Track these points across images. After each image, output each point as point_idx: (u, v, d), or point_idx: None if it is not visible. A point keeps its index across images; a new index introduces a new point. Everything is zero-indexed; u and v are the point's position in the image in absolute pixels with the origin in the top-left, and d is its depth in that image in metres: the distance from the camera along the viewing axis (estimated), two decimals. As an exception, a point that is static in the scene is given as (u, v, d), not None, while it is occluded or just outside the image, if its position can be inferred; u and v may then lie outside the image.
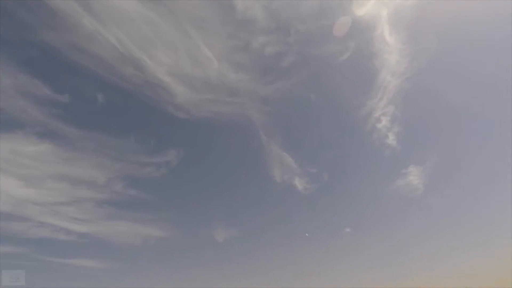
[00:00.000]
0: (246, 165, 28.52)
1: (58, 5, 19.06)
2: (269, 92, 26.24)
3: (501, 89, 24.41)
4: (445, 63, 25.56)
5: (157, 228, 24.82)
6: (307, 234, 26.52)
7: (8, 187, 20.80)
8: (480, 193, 25.38)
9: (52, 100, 20.78)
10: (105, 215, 22.97)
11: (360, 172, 28.80)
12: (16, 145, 20.57)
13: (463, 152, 26.75)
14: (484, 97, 25.86)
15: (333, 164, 28.41)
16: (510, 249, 19.18)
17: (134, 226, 24.14)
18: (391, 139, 26.10)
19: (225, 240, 25.35)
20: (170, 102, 24.83)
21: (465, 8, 22.72)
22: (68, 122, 22.66)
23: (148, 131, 26.00)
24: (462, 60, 25.37)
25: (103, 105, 23.23)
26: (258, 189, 28.28)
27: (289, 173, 26.94)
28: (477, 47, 24.34)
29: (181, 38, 22.88)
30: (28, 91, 20.67)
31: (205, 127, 26.42)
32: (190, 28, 22.62)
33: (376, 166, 28.24)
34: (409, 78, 25.38)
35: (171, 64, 23.99)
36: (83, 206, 22.94)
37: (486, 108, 26.00)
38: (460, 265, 22.55)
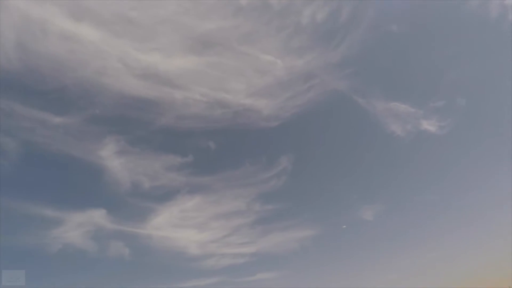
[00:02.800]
0: (358, 135, 26.58)
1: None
2: (342, 53, 24.14)
3: None
4: None
5: (305, 228, 26.31)
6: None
7: (190, 236, 27.70)
8: None
9: (184, 163, 26.54)
10: (259, 233, 26.64)
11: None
12: (181, 205, 27.35)
13: None
14: None
15: (463, 85, 22.62)
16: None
17: (286, 234, 26.64)
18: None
19: (375, 217, 23.98)
20: (260, 118, 26.63)
21: None
22: (201, 174, 27.90)
23: (256, 151, 28.55)
24: None
25: (217, 150, 27.44)
26: (383, 153, 25.62)
27: (411, 120, 23.18)
28: None
29: (241, 60, 24.61)
30: (170, 165, 27.13)
31: (299, 122, 26.73)
32: (243, 48, 24.08)
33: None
34: None
35: (245, 87, 25.98)
36: (241, 232, 27.36)
37: None
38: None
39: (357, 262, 23.65)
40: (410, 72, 24.68)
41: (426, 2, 23.75)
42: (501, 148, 21.66)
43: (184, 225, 32.51)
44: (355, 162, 26.02)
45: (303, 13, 22.42)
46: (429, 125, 22.45)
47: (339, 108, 25.53)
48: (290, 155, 26.22)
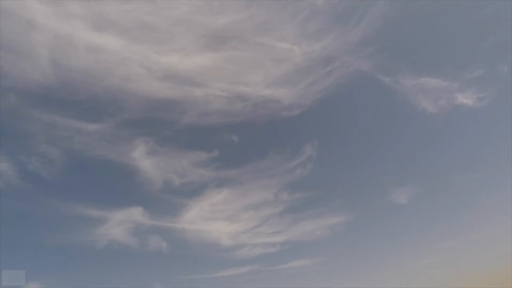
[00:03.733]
0: (387, 116, 25.44)
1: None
2: (363, 31, 23.00)
3: None
4: None
5: (336, 215, 26.04)
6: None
7: (222, 228, 28.63)
8: None
9: (210, 159, 27.23)
10: (289, 222, 26.83)
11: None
12: (210, 199, 28.23)
13: None
14: None
15: (504, 48, 20.61)
16: None
17: (316, 222, 26.55)
18: None
19: (409, 200, 23.03)
20: (281, 108, 26.44)
21: None
22: (227, 168, 28.50)
23: (279, 141, 28.50)
24: None
25: (240, 143, 27.81)
26: (415, 132, 24.30)
27: (444, 95, 21.65)
28: None
29: (257, 52, 24.45)
30: (197, 162, 28.05)
31: (322, 108, 26.15)
32: (259, 38, 23.85)
33: None
34: None
35: (263, 78, 25.83)
36: (271, 221, 27.76)
37: None
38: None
39: (392, 247, 23.02)
40: (439, 42, 22.81)
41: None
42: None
43: (215, 218, 33.73)
44: (385, 144, 25.00)
45: (318, -5, 21.59)
46: (465, 98, 20.76)
47: (364, 89, 24.49)
48: (314, 142, 25.81)
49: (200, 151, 29.76)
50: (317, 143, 25.69)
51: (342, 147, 26.30)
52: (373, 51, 22.75)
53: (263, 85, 26.32)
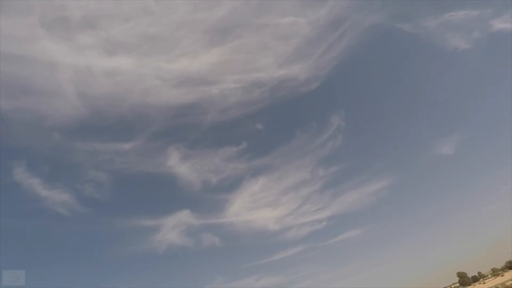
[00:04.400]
0: (414, 64, 23.57)
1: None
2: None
3: None
4: None
5: (379, 180, 25.30)
6: None
7: (266, 215, 29.35)
8: None
9: (240, 151, 27.62)
10: (331, 197, 26.69)
11: None
12: (249, 190, 28.95)
13: None
14: None
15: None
16: None
17: (359, 191, 26.03)
18: None
19: (456, 149, 21.39)
20: (299, 85, 25.90)
21: None
22: (258, 156, 28.84)
23: (303, 119, 28.00)
24: None
25: (265, 129, 27.74)
26: (450, 74, 22.24)
27: (477, 25, 19.38)
28: None
29: (262, 34, 23.93)
30: (229, 157, 28.73)
31: (341, 74, 25.00)
32: (260, 20, 23.28)
33: None
34: None
35: (274, 59, 25.38)
36: (313, 200, 27.81)
37: None
38: None
39: (446, 200, 21.68)
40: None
41: None
42: None
43: (258, 206, 34.46)
44: (419, 95, 23.24)
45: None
46: (503, 23, 18.22)
47: (383, 43, 22.79)
48: (340, 111, 24.94)
49: (229, 146, 30.07)
50: (343, 111, 24.81)
51: (372, 109, 25.08)
52: (384, -1, 20.83)
53: (275, 67, 25.80)
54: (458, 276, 51.11)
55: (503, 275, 43.32)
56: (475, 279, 51.38)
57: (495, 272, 48.08)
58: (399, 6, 20.93)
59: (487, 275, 50.16)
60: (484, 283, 46.02)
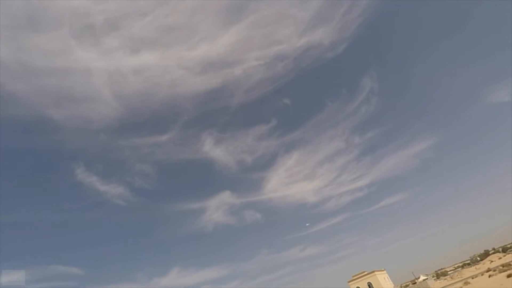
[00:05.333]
0: (448, 7, 20.79)
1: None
2: None
3: None
4: None
5: (420, 140, 23.94)
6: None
7: (305, 188, 30.29)
8: None
9: (271, 128, 28.06)
10: (369, 164, 26.14)
11: None
12: (284, 166, 29.70)
13: None
14: None
15: None
16: None
17: (399, 154, 24.94)
18: None
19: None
20: (323, 50, 24.70)
21: None
22: (290, 131, 28.94)
23: (332, 86, 26.98)
24: None
25: (294, 103, 27.43)
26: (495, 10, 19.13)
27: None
28: None
29: (277, 3, 22.79)
30: (260, 135, 29.47)
31: (368, 32, 23.08)
32: None
33: None
34: None
35: (294, 28, 24.28)
36: (350, 168, 27.56)
37: None
38: None
39: (501, 156, 19.60)
40: None
41: None
42: None
43: (294, 181, 35.06)
44: (461, 40, 20.57)
45: None
46: None
47: (405, 14, 20.16)
48: (372, 73, 23.39)
49: (259, 125, 30.26)
50: (375, 72, 23.16)
51: (407, 65, 23.00)
52: None
53: (296, 36, 24.52)
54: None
55: None
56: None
57: None
58: None
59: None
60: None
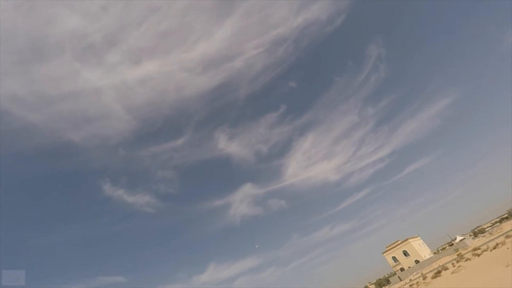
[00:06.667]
0: None
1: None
2: None
3: None
4: None
5: (439, 99, 22.99)
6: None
7: (325, 167, 30.49)
8: None
9: (281, 114, 27.98)
10: (387, 133, 25.64)
11: None
12: (301, 148, 29.83)
13: None
14: None
15: None
16: None
17: (417, 118, 24.19)
18: None
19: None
20: (323, 25, 24.02)
21: None
22: (301, 114, 28.65)
23: (337, 61, 26.29)
24: None
25: (300, 84, 27.09)
26: None
27: None
28: None
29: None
30: (271, 123, 29.53)
31: (368, 1, 22.05)
32: None
33: None
34: None
35: (288, 8, 23.76)
36: (368, 140, 27.15)
37: None
38: None
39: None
40: None
41: None
42: None
43: (313, 162, 35.02)
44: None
45: None
46: None
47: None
48: (376, 39, 22.56)
49: (269, 113, 30.16)
50: (380, 37, 22.23)
51: (415, 20, 21.75)
52: None
53: (292, 16, 23.85)
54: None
55: None
56: None
57: None
58: None
59: None
60: None
